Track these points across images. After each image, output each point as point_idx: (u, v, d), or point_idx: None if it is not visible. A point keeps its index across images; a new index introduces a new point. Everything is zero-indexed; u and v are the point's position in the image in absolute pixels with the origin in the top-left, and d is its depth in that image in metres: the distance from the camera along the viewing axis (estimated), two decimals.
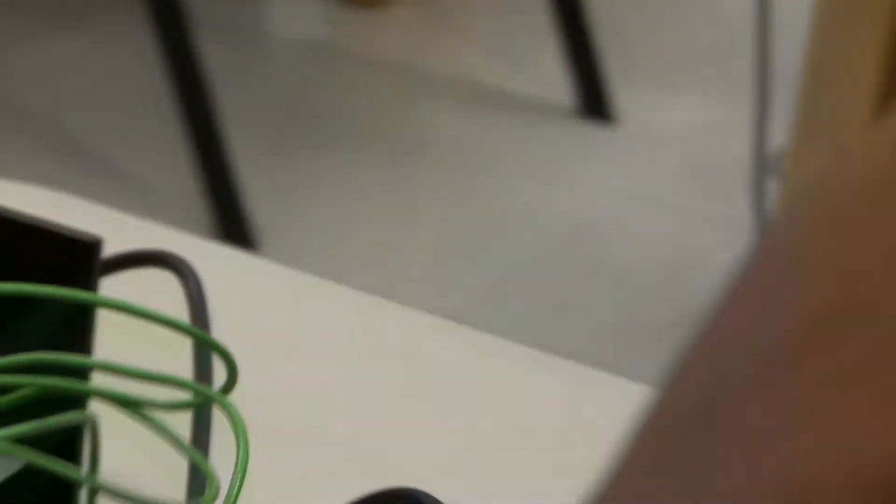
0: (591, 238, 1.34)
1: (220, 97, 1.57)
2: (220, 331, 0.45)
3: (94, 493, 0.41)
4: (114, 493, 0.38)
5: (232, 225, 1.55)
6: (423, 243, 1.51)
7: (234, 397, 0.39)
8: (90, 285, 0.42)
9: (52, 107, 1.71)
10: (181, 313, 0.44)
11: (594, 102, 1.57)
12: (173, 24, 1.57)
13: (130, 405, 0.39)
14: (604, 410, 0.58)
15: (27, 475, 0.42)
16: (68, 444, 0.42)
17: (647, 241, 1.37)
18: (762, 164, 1.30)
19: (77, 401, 0.41)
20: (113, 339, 0.43)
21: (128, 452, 0.45)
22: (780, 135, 1.21)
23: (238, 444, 0.37)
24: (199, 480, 0.42)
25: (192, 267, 0.45)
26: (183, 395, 0.40)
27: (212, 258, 0.66)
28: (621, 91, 1.62)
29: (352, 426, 0.57)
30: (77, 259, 0.42)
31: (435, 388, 0.59)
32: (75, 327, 0.42)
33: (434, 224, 1.53)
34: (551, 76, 1.67)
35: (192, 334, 0.42)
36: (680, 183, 1.45)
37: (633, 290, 1.40)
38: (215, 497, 0.38)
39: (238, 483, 0.38)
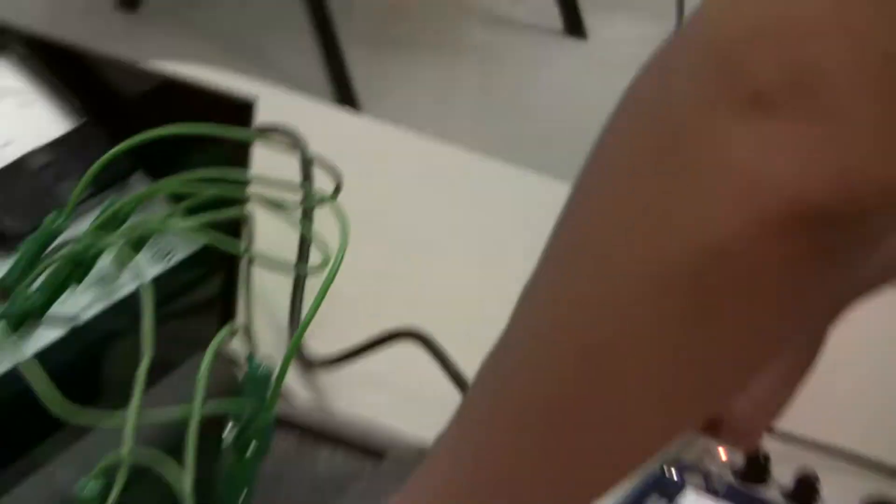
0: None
1: None
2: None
3: (250, 261, 0.65)
4: (264, 259, 0.62)
5: (344, 92, 2.09)
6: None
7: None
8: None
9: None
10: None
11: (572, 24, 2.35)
12: None
13: (276, 206, 0.61)
14: None
15: (205, 253, 0.65)
16: (234, 231, 0.65)
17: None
18: None
19: (239, 201, 0.64)
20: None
21: (267, 239, 0.68)
22: None
23: (341, 233, 0.58)
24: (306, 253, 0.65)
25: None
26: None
27: (325, 118, 0.90)
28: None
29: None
30: (239, 112, 0.65)
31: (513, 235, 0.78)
32: (238, 158, 0.65)
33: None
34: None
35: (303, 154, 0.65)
36: None
37: None
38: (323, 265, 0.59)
39: (339, 257, 0.59)
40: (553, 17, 2.34)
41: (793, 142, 0.40)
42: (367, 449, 0.63)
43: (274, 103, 0.70)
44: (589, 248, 0.45)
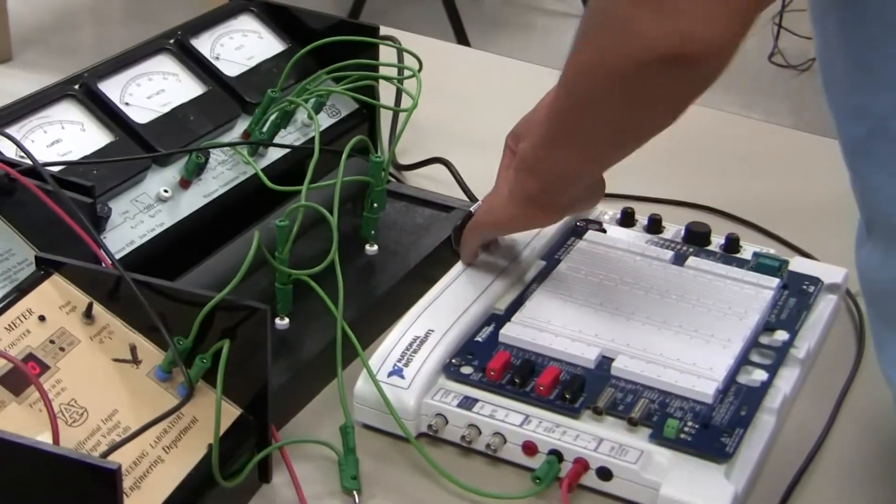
0: None
1: None
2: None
3: (379, 110, 1.16)
4: (384, 107, 1.14)
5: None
6: None
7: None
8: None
9: None
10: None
11: None
12: None
13: (387, 79, 1.13)
14: None
15: (357, 111, 1.17)
16: (371, 95, 1.16)
17: None
18: None
19: (373, 78, 1.15)
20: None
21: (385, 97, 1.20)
22: None
23: (417, 88, 1.09)
24: (399, 101, 1.16)
25: (396, 38, 1.19)
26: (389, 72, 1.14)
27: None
28: None
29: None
30: (372, 32, 1.16)
31: None
32: (372, 56, 1.16)
33: None
34: None
35: (398, 48, 1.15)
36: None
37: None
38: (413, 108, 1.09)
39: (415, 102, 1.10)
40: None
41: (659, 16, 0.75)
42: (442, 206, 1.15)
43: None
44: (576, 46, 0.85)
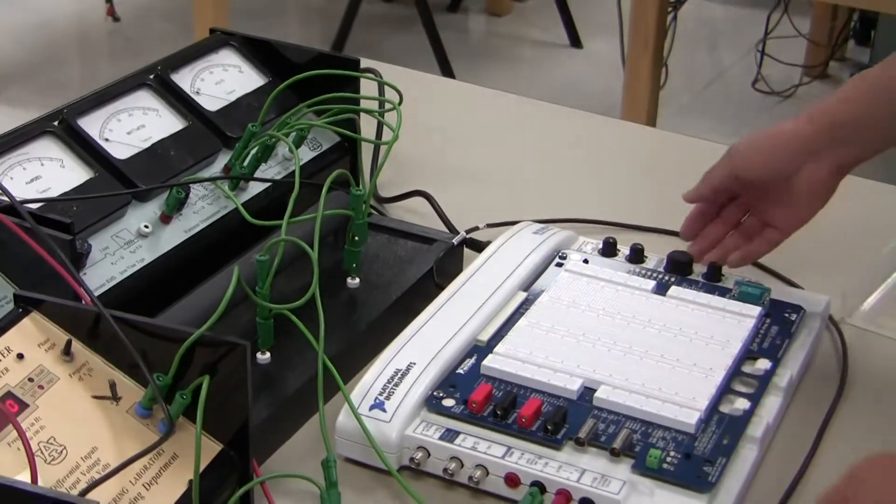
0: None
1: None
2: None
3: (359, 143, 1.17)
4: (364, 140, 1.14)
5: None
6: None
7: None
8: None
9: None
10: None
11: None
12: None
13: (369, 112, 1.13)
14: None
15: (338, 145, 1.17)
16: (353, 128, 1.16)
17: None
18: None
19: (353, 111, 1.15)
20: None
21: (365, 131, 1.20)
22: None
23: (398, 119, 1.09)
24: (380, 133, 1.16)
25: (377, 71, 1.19)
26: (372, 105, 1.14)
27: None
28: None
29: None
30: (352, 65, 1.17)
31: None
32: (352, 89, 1.16)
33: None
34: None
35: (379, 80, 1.16)
36: None
37: None
38: (394, 140, 1.10)
39: (395, 133, 1.09)
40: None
41: None
42: (424, 238, 1.15)
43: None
44: None
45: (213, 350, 0.83)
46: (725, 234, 1.11)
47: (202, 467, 0.82)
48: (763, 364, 0.98)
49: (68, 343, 0.84)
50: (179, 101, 1.13)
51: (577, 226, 1.20)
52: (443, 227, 1.20)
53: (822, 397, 1.00)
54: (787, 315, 1.05)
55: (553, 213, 1.22)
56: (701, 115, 3.20)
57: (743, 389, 0.96)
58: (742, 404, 0.94)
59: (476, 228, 1.19)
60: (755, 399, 0.95)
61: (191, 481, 0.81)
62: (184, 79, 1.15)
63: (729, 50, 3.63)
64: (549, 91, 3.29)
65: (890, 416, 0.99)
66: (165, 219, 1.04)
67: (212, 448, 0.84)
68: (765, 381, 0.97)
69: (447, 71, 3.30)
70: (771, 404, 0.95)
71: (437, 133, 1.41)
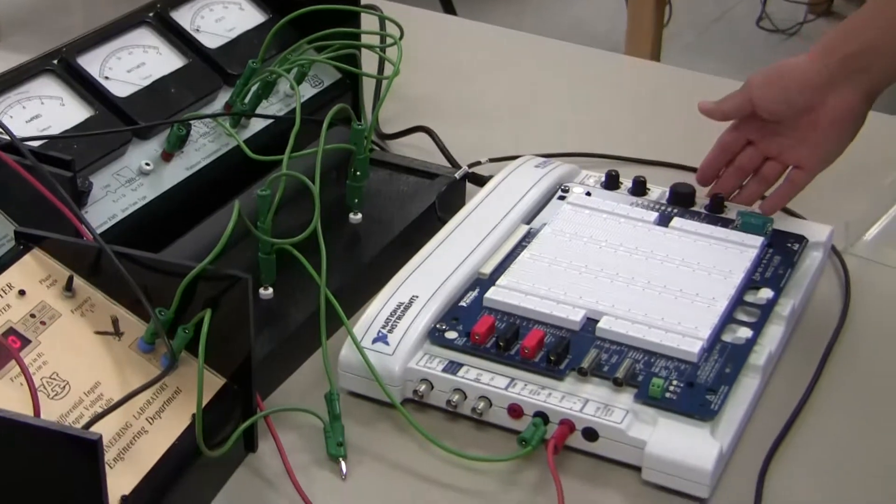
0: None
1: None
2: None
3: (360, 78, 1.16)
4: (366, 74, 1.13)
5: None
6: None
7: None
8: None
9: None
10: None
11: None
12: None
13: (369, 47, 1.12)
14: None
15: (340, 81, 1.16)
16: (354, 63, 1.15)
17: None
18: None
19: (354, 47, 1.14)
20: None
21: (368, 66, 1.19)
22: None
23: (398, 54, 1.08)
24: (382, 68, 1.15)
25: (378, 7, 1.18)
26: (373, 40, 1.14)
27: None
28: None
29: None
30: (353, 1, 1.16)
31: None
32: (353, 24, 1.16)
33: None
34: None
35: (380, 16, 1.15)
36: None
37: None
38: (395, 75, 1.09)
39: (396, 67, 1.09)
40: None
41: None
42: (426, 173, 1.14)
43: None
44: None
45: (215, 284, 0.83)
46: (742, 180, 1.10)
47: (205, 402, 0.82)
48: (765, 293, 0.98)
49: (70, 279, 0.84)
50: (180, 38, 1.12)
51: (579, 160, 1.20)
52: (445, 163, 1.19)
53: (825, 327, 1.00)
54: (789, 245, 1.04)
55: (556, 148, 1.22)
56: (705, 54, 3.18)
57: (745, 319, 0.96)
58: (744, 333, 0.94)
59: (478, 163, 1.19)
60: (757, 328, 0.95)
61: (194, 415, 0.81)
62: (183, 16, 1.15)
63: None
64: (554, 31, 3.28)
65: (891, 345, 1.00)
66: (167, 156, 1.03)
67: (215, 383, 0.85)
68: (767, 310, 0.97)
69: (449, 9, 3.29)
70: (773, 333, 0.95)
71: (440, 70, 1.40)
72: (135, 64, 1.08)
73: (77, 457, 0.68)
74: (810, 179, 1.06)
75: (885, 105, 1.29)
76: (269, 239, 0.96)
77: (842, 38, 1.02)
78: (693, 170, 1.19)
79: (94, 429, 0.76)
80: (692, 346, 0.91)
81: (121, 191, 0.99)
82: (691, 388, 0.88)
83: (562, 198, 1.10)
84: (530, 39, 1.50)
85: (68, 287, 0.84)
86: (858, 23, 1.02)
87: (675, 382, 0.89)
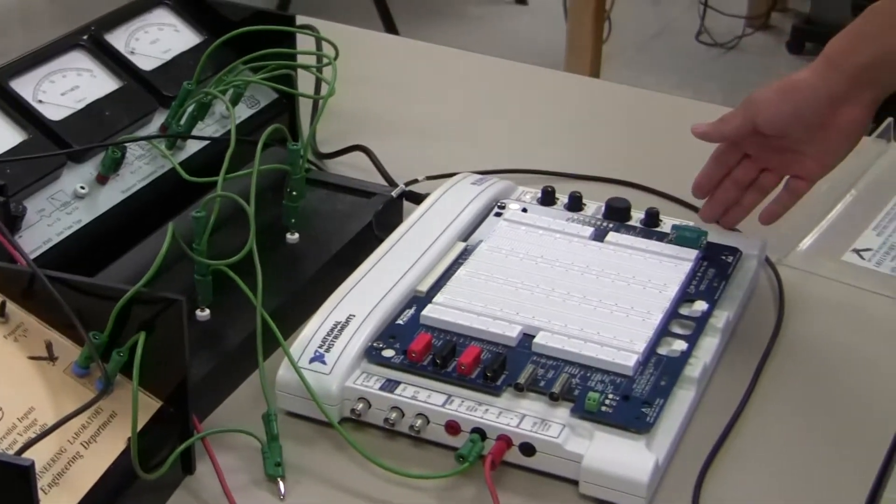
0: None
1: None
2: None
3: (296, 98, 1.16)
4: (302, 95, 1.13)
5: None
6: None
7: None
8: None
9: None
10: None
11: None
12: None
13: (306, 68, 1.13)
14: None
15: (276, 101, 1.17)
16: (290, 83, 1.16)
17: None
18: None
19: (290, 67, 1.15)
20: None
21: (303, 86, 1.20)
22: None
23: (332, 74, 1.09)
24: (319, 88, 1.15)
25: (314, 26, 1.19)
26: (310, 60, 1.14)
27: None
28: None
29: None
30: (288, 21, 1.16)
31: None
32: (289, 45, 1.16)
33: None
34: None
35: (316, 36, 1.15)
36: None
37: None
38: (329, 95, 1.10)
39: (331, 88, 1.09)
40: None
41: None
42: (363, 192, 1.15)
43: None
44: None
45: (150, 307, 0.83)
46: (738, 192, 1.09)
47: (141, 425, 0.82)
48: (700, 306, 0.99)
49: (2, 304, 0.84)
50: (114, 60, 1.12)
51: (516, 176, 1.21)
52: (382, 181, 1.20)
53: (760, 338, 1.01)
54: (724, 257, 1.05)
55: (493, 165, 1.23)
56: (646, 69, 3.20)
57: (680, 331, 0.97)
58: (679, 346, 0.95)
59: (415, 181, 1.20)
60: (692, 340, 0.95)
61: (129, 439, 0.81)
62: (118, 39, 1.14)
63: (671, 3, 3.64)
64: (494, 48, 3.32)
65: (825, 355, 1.01)
66: (102, 179, 1.03)
67: (151, 405, 0.85)
68: (702, 322, 0.98)
69: (391, 28, 3.30)
70: (708, 345, 0.96)
71: (379, 88, 1.41)
72: (69, 87, 1.08)
73: (9, 483, 0.68)
74: (810, 188, 1.07)
75: None
76: (204, 261, 0.96)
77: (848, 50, 1.01)
78: (629, 185, 1.21)
79: (27, 454, 0.76)
80: (627, 360, 0.92)
81: (55, 214, 0.99)
82: (627, 402, 0.89)
83: (498, 214, 1.10)
84: (469, 57, 1.51)
85: (1, 312, 0.84)
86: (864, 33, 1.01)
87: (610, 396, 0.89)
